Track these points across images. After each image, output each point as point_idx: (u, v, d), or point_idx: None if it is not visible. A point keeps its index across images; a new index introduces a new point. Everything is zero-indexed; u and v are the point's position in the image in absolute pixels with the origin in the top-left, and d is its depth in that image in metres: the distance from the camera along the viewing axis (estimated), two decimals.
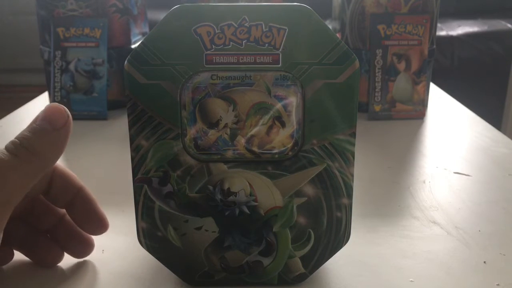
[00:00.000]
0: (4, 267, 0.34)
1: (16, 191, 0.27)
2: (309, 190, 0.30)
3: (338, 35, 0.70)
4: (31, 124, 0.29)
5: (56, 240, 0.34)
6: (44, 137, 0.28)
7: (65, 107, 0.29)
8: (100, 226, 0.34)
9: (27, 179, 0.28)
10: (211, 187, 0.30)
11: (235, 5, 0.27)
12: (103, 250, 0.36)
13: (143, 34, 0.78)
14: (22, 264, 0.34)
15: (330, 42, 0.28)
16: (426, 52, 0.68)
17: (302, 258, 0.31)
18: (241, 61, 0.28)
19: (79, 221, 0.34)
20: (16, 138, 0.28)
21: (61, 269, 0.34)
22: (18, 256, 0.34)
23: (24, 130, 0.29)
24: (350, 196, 0.30)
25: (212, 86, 0.29)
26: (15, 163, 0.27)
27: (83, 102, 0.69)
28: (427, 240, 0.37)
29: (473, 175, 0.50)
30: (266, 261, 0.31)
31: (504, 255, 0.35)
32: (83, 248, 0.34)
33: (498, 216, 0.41)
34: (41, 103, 0.78)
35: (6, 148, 0.28)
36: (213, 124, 0.30)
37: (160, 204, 0.30)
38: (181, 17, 0.27)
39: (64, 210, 0.34)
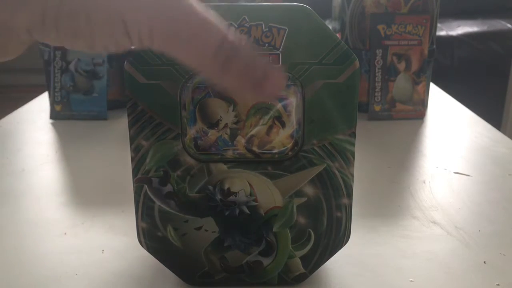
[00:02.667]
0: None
1: None
2: (309, 190, 0.30)
3: (338, 35, 0.70)
4: None
5: None
6: None
7: None
8: None
9: None
10: (211, 187, 0.30)
11: (235, 5, 0.27)
12: (103, 250, 0.36)
13: None
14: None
15: (330, 42, 0.28)
16: (426, 52, 0.68)
17: (302, 258, 0.31)
18: None
19: None
20: None
21: (61, 269, 0.34)
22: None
23: None
24: (350, 196, 0.30)
25: (212, 86, 0.29)
26: None
27: (83, 102, 0.69)
28: (427, 240, 0.37)
29: (473, 175, 0.50)
30: (266, 261, 0.31)
31: (504, 255, 0.35)
32: None
33: (498, 216, 0.41)
34: (41, 103, 0.78)
35: None
36: (213, 124, 0.29)
37: (160, 204, 0.30)
38: None
39: None
